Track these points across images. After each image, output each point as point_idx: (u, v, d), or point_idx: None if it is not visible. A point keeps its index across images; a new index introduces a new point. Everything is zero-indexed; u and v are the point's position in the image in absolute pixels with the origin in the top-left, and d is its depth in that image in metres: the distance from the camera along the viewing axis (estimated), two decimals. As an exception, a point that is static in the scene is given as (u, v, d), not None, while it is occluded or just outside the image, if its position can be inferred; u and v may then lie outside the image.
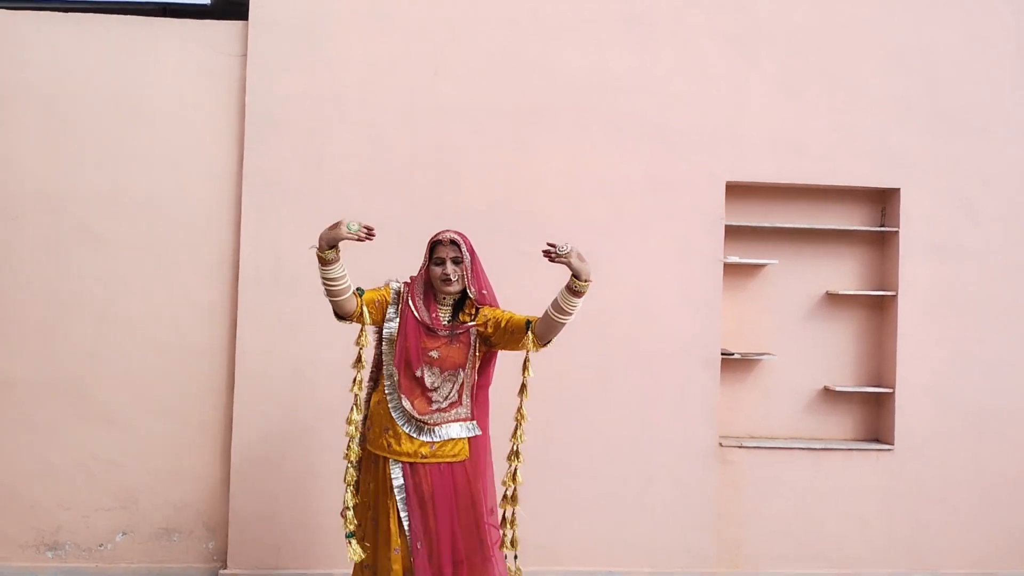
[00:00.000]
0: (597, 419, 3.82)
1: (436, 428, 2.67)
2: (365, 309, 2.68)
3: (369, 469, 2.75)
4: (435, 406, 2.67)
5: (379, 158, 3.79)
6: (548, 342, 2.70)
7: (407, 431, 2.66)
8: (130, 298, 3.72)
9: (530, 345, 2.66)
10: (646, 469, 3.86)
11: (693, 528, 3.86)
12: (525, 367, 2.79)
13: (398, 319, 2.69)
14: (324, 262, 2.58)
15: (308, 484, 3.71)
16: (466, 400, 2.73)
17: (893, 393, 3.96)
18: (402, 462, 2.66)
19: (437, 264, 2.68)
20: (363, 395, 2.77)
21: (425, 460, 2.66)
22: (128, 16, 3.80)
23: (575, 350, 3.79)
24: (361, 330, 2.73)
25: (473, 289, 2.70)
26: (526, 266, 3.76)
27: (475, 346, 2.73)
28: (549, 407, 3.80)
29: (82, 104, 3.74)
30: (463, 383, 2.72)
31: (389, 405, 2.68)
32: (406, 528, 2.64)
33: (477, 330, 2.71)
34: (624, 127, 3.88)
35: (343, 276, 2.61)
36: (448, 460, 2.68)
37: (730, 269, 4.00)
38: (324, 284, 2.61)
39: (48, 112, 3.72)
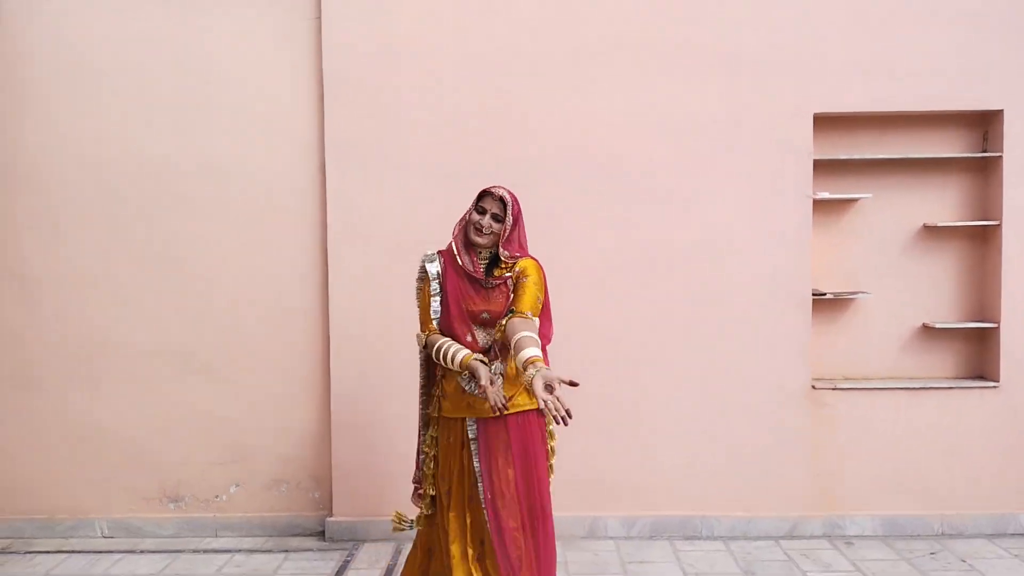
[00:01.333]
0: (685, 362, 3.80)
1: (501, 379, 2.60)
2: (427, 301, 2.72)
3: (444, 433, 2.74)
4: (494, 358, 2.63)
5: (446, 107, 3.79)
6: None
7: (476, 392, 2.58)
8: (229, 262, 3.88)
9: (501, 324, 2.58)
10: (737, 412, 3.83)
11: (787, 471, 3.82)
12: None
13: (440, 291, 2.68)
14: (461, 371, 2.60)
15: (403, 433, 3.74)
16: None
17: (998, 328, 3.79)
18: (477, 418, 2.64)
19: (479, 212, 2.66)
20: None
21: (503, 412, 2.58)
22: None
23: (661, 293, 3.79)
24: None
25: (505, 252, 2.66)
26: (606, 214, 3.78)
27: (511, 291, 2.67)
28: (637, 351, 3.81)
29: (171, 76, 3.87)
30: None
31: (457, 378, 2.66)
32: (479, 481, 2.63)
33: (509, 280, 2.66)
34: (699, 61, 3.76)
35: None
36: (524, 409, 2.64)
37: (820, 205, 3.87)
38: (442, 362, 2.63)
39: (140, 86, 3.87)
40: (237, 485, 3.94)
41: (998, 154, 3.77)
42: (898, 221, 3.92)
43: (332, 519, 3.86)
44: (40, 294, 3.91)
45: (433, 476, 2.76)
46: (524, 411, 2.65)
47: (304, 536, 3.91)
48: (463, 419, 2.68)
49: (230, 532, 3.92)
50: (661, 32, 3.76)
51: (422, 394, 2.86)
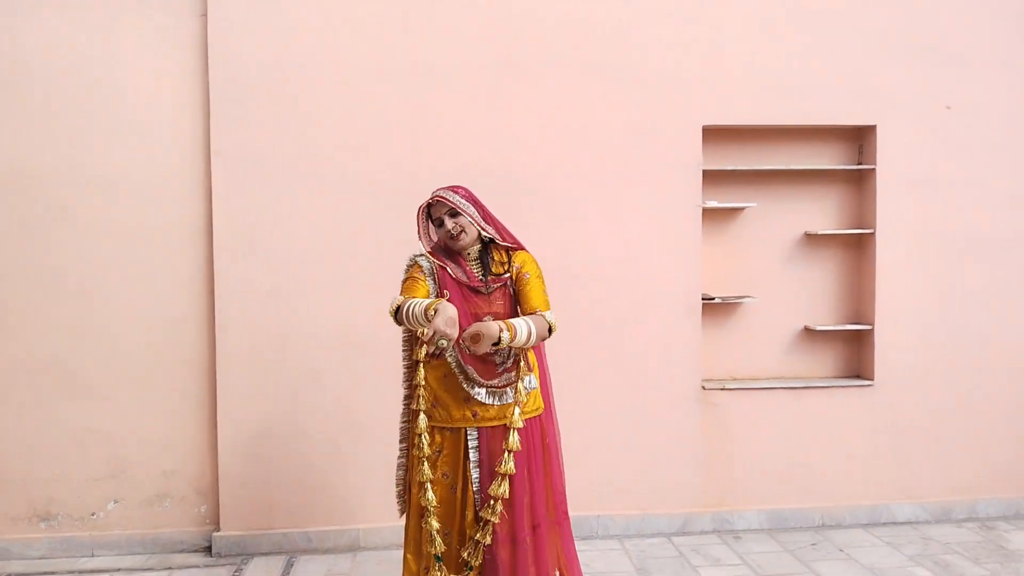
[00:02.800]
0: (580, 366, 3.84)
1: (507, 390, 2.55)
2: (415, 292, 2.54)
3: (437, 444, 2.58)
4: (501, 367, 2.55)
5: (352, 120, 3.71)
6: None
7: (483, 399, 2.52)
8: (108, 274, 3.69)
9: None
10: (633, 414, 3.90)
11: (681, 469, 3.92)
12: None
13: (435, 284, 2.55)
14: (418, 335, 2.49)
15: (295, 445, 3.74)
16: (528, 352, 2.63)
17: (872, 330, 4.01)
18: (479, 427, 2.55)
19: (439, 225, 2.58)
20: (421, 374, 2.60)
21: (506, 421, 2.54)
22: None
23: (562, 301, 3.72)
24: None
25: (490, 229, 2.59)
26: (508, 223, 3.74)
27: (514, 296, 2.61)
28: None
29: (45, 78, 3.64)
30: None
31: (459, 379, 2.53)
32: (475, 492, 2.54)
33: (509, 279, 2.60)
34: (601, 76, 3.82)
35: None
36: (532, 415, 2.60)
37: (709, 214, 4.00)
38: (409, 321, 2.42)
39: (11, 89, 3.63)
40: (115, 501, 3.74)
41: (872, 167, 3.99)
42: (781, 229, 4.09)
43: (219, 533, 3.72)
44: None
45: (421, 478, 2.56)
46: (528, 418, 2.59)
47: (189, 552, 3.75)
48: (463, 429, 2.55)
49: (108, 551, 3.71)
50: (570, 49, 3.80)
51: (405, 382, 2.68)
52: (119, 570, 3.57)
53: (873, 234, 4.00)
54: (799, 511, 3.99)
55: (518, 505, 2.54)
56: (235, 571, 3.55)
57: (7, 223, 3.65)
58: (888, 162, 3.98)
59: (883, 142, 3.97)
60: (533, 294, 2.57)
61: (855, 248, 4.14)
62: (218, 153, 3.66)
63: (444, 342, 2.23)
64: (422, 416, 2.56)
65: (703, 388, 3.93)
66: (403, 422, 2.72)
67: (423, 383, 2.57)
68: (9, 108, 3.63)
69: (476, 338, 2.33)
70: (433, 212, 2.60)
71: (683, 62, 3.86)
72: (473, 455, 2.54)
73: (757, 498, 3.98)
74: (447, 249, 2.61)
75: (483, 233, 2.58)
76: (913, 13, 3.95)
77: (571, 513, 3.79)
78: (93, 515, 3.73)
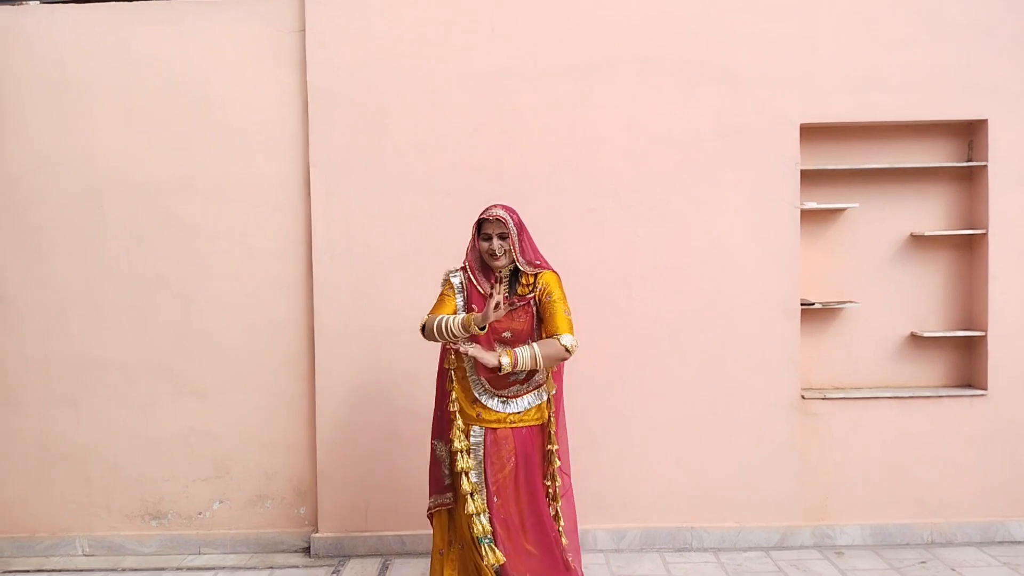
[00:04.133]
0: (676, 375, 3.79)
1: (516, 399, 2.78)
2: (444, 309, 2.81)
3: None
4: (513, 379, 2.76)
5: (440, 124, 3.77)
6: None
7: (490, 405, 2.78)
8: (213, 279, 3.84)
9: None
10: (727, 423, 3.81)
11: (777, 481, 3.81)
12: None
13: (464, 300, 2.80)
14: (468, 332, 2.66)
15: (391, 447, 3.80)
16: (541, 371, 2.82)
17: (985, 336, 3.79)
18: (485, 427, 2.79)
19: (484, 240, 2.76)
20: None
21: (512, 425, 2.79)
22: (188, 0, 3.84)
23: (651, 306, 3.78)
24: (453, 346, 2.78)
25: (522, 260, 2.77)
26: (592, 225, 3.77)
27: (536, 314, 2.81)
28: (627, 364, 3.79)
29: (154, 92, 3.83)
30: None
31: (470, 380, 2.80)
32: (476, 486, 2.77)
33: (535, 300, 2.78)
34: (689, 74, 3.76)
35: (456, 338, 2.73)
36: (529, 424, 2.81)
37: (808, 215, 3.87)
38: (444, 335, 2.69)
39: (123, 104, 3.83)
40: (220, 501, 3.88)
41: (983, 163, 3.78)
42: (885, 231, 3.92)
43: (317, 535, 3.81)
44: (21, 313, 3.86)
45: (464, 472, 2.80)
46: (529, 426, 2.80)
47: (289, 552, 3.86)
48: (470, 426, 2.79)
49: (213, 549, 3.86)
50: (656, 48, 3.76)
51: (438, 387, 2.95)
52: (224, 568, 3.71)
53: (985, 235, 3.79)
54: (905, 527, 3.81)
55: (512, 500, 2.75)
56: (332, 572, 3.64)
57: (120, 230, 3.85)
58: (1001, 158, 3.76)
59: (995, 137, 3.76)
60: (555, 318, 2.75)
61: (965, 250, 3.93)
62: (316, 162, 3.77)
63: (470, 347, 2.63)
64: (457, 415, 2.81)
65: (802, 397, 3.80)
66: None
67: (454, 387, 2.83)
68: (122, 121, 3.83)
69: (475, 361, 2.66)
70: (484, 227, 2.77)
71: (777, 57, 3.75)
72: (475, 450, 2.78)
73: (860, 512, 3.82)
74: (483, 263, 2.80)
75: (517, 260, 2.77)
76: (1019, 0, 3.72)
77: (664, 524, 3.82)
78: (200, 514, 3.89)
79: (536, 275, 2.80)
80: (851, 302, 3.85)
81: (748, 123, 3.76)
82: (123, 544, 3.86)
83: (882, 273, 3.93)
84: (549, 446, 2.85)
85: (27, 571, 3.72)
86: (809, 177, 3.85)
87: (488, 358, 2.63)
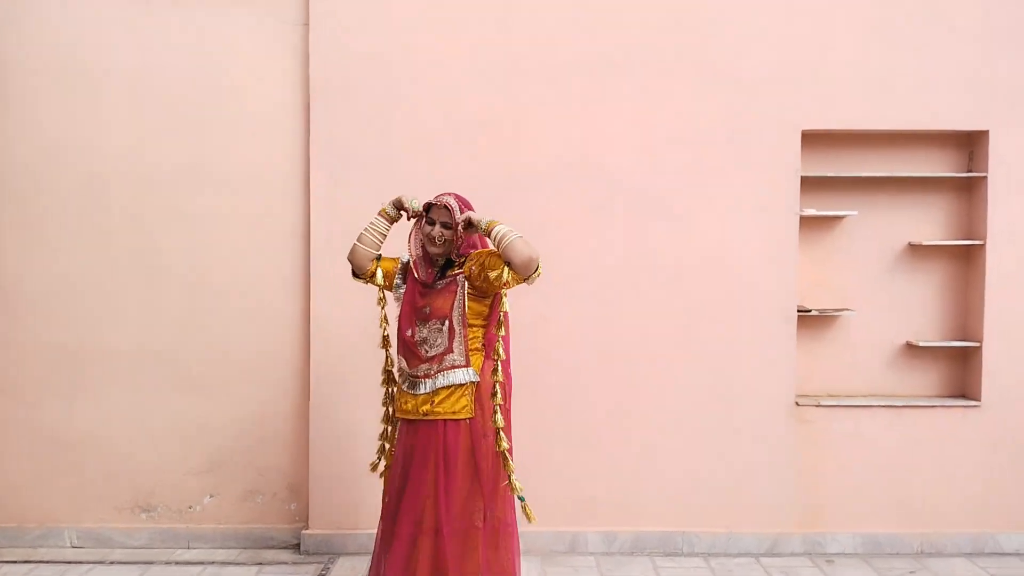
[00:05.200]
0: (669, 377, 3.78)
1: (426, 380, 2.76)
2: (379, 271, 2.91)
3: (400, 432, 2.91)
4: (425, 355, 2.76)
5: (447, 118, 3.75)
6: (529, 275, 2.65)
7: (406, 388, 2.82)
8: (214, 269, 3.82)
9: (506, 276, 2.63)
10: (721, 428, 3.80)
11: (771, 487, 3.80)
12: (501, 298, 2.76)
13: (404, 287, 2.89)
14: (388, 218, 2.87)
15: None
16: (458, 348, 2.75)
17: (980, 347, 3.80)
18: (407, 420, 2.82)
19: (430, 224, 2.79)
20: (393, 355, 2.95)
21: (425, 417, 2.74)
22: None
23: (648, 306, 3.77)
24: (380, 292, 2.95)
25: (458, 251, 2.82)
26: (600, 223, 3.76)
27: (463, 295, 2.76)
28: (621, 366, 3.78)
29: (162, 82, 3.80)
30: (455, 332, 2.75)
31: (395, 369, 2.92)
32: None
33: (463, 277, 2.76)
34: (699, 75, 3.75)
35: (384, 236, 2.88)
36: (447, 418, 2.73)
37: (806, 222, 3.87)
38: (367, 234, 2.86)
39: (130, 92, 3.80)
40: (211, 495, 3.86)
41: (983, 174, 3.78)
42: (883, 239, 3.92)
43: (308, 532, 3.79)
44: (21, 300, 3.83)
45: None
46: (447, 419, 2.73)
47: (279, 548, 3.84)
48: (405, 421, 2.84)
49: (203, 543, 3.84)
50: (664, 49, 3.75)
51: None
52: (212, 563, 3.68)
53: (983, 245, 3.79)
54: (896, 536, 3.81)
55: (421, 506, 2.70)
56: (322, 570, 3.62)
57: (123, 220, 3.82)
58: (1001, 169, 3.77)
59: (995, 148, 3.76)
60: (485, 253, 2.73)
61: (963, 260, 3.94)
62: (317, 154, 3.75)
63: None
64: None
65: (797, 404, 3.80)
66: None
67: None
68: (130, 108, 3.80)
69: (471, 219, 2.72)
70: (432, 212, 2.79)
71: (782, 62, 3.75)
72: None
73: (851, 521, 3.82)
74: (422, 244, 2.83)
75: (453, 254, 2.82)
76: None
77: (655, 528, 3.80)
78: (190, 508, 3.86)
79: (464, 258, 2.81)
80: (847, 310, 3.85)
81: (753, 127, 3.76)
82: (112, 536, 3.84)
83: (879, 281, 3.93)
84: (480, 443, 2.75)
85: (13, 562, 3.69)
86: (808, 183, 3.85)
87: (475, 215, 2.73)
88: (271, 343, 3.83)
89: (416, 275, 2.82)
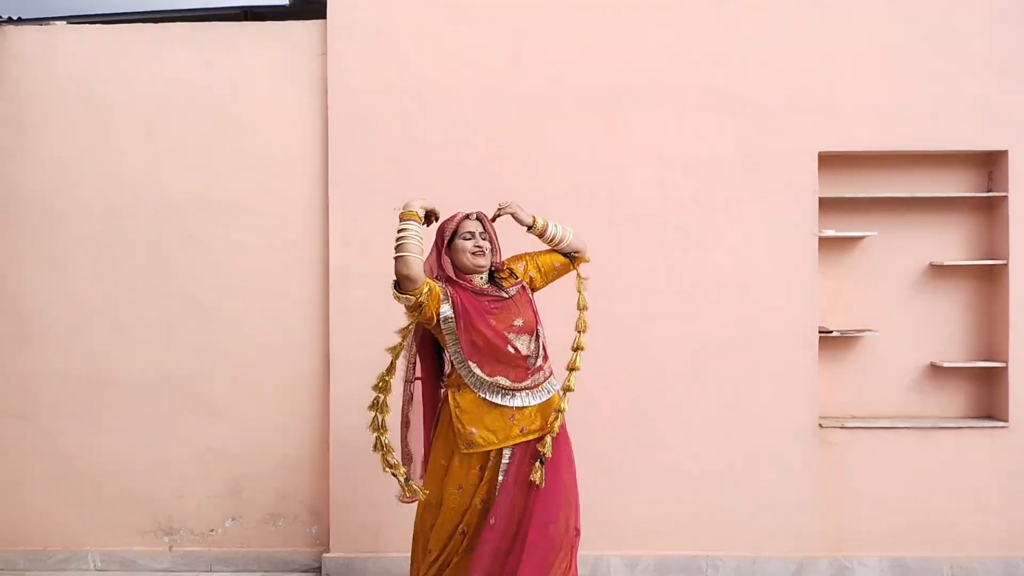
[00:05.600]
0: (692, 401, 3.76)
1: (535, 391, 2.68)
2: (429, 287, 2.58)
3: (469, 465, 2.68)
4: (530, 369, 2.67)
5: (460, 150, 3.78)
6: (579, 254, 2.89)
7: (504, 402, 2.62)
8: (232, 298, 3.86)
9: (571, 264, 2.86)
10: (744, 451, 3.77)
11: (794, 511, 3.75)
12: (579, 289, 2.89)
13: (454, 313, 2.62)
14: (420, 221, 2.61)
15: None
16: (544, 354, 2.75)
17: (1006, 367, 3.74)
18: (512, 446, 2.66)
19: (466, 239, 2.68)
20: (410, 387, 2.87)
21: (527, 437, 2.66)
22: (213, 23, 3.92)
23: (668, 331, 3.76)
24: (414, 319, 2.66)
25: (500, 262, 2.79)
26: (613, 250, 3.74)
27: (533, 300, 2.77)
28: (644, 390, 3.77)
29: (178, 112, 3.86)
30: (542, 340, 2.74)
31: (482, 397, 2.63)
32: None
33: (524, 284, 2.77)
34: (711, 103, 3.77)
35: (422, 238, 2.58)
36: (539, 435, 2.67)
37: (826, 243, 3.85)
38: (412, 240, 2.53)
39: (147, 124, 3.87)
40: (233, 519, 3.88)
41: (1003, 194, 3.76)
42: (904, 259, 3.89)
43: (329, 555, 3.78)
44: (41, 328, 3.89)
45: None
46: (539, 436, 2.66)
47: (300, 572, 3.84)
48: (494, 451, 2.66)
49: (224, 567, 3.84)
50: (679, 76, 3.77)
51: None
52: (235, 586, 3.70)
53: (1006, 265, 3.75)
54: (925, 560, 3.73)
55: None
56: (343, 593, 3.62)
57: (139, 248, 3.88)
58: (1021, 188, 3.73)
59: (1015, 167, 3.73)
60: (545, 254, 2.85)
61: (985, 279, 3.90)
62: (335, 183, 3.80)
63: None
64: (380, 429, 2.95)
65: (820, 426, 3.76)
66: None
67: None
68: (145, 140, 3.87)
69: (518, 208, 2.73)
70: (464, 226, 2.70)
71: (797, 86, 3.75)
72: (502, 474, 2.69)
73: (878, 545, 3.75)
74: (457, 265, 2.69)
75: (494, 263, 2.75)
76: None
77: (679, 552, 3.76)
78: (212, 531, 3.88)
79: (507, 268, 2.78)
80: (870, 331, 3.82)
81: (767, 151, 3.76)
82: (135, 560, 3.86)
83: (901, 302, 3.89)
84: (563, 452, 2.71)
85: (39, 585, 3.72)
86: (827, 205, 3.84)
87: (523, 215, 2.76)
88: (290, 369, 3.85)
89: (470, 290, 2.66)
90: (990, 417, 3.85)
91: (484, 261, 2.69)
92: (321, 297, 3.85)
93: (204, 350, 3.87)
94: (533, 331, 2.70)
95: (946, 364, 3.81)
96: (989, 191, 3.86)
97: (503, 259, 2.83)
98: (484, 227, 2.73)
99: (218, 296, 3.86)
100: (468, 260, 2.67)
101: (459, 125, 3.79)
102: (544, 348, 2.75)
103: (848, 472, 3.76)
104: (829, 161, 3.82)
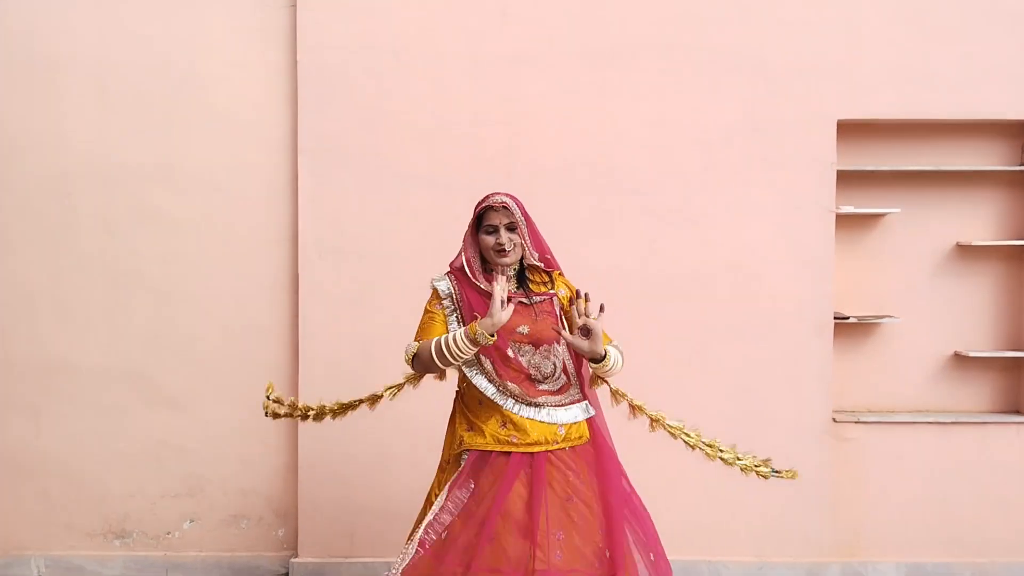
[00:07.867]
0: (697, 393, 3.51)
1: (555, 411, 2.39)
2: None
3: (479, 468, 2.40)
4: (543, 388, 2.39)
5: (444, 112, 3.52)
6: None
7: (528, 416, 2.36)
8: (190, 277, 3.61)
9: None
10: (750, 447, 3.45)
11: (803, 512, 3.54)
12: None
13: (456, 312, 2.41)
14: (477, 345, 2.27)
15: (380, 468, 3.53)
16: (574, 379, 2.46)
17: (1037, 358, 3.52)
18: (532, 452, 2.37)
19: (489, 233, 2.38)
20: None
21: (558, 446, 2.39)
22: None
23: (669, 317, 3.52)
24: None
25: (536, 254, 2.43)
26: (609, 227, 3.53)
27: (561, 317, 2.44)
28: (646, 380, 3.46)
29: (131, 73, 3.59)
30: (564, 360, 2.43)
31: (495, 400, 2.37)
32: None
33: (557, 297, 2.46)
34: (717, 65, 3.51)
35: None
36: (574, 443, 2.46)
37: (844, 221, 3.60)
38: (452, 358, 2.29)
39: (98, 84, 3.59)
40: (191, 521, 3.62)
41: (1038, 167, 3.51)
42: (928, 239, 3.66)
43: (297, 560, 3.54)
44: (-21, 309, 3.62)
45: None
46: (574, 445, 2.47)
47: (266, 578, 3.58)
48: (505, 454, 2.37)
49: (182, 572, 3.60)
50: (681, 34, 3.52)
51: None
52: (193, 594, 3.42)
53: (1039, 246, 3.52)
54: (945, 566, 3.54)
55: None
56: (312, 602, 3.34)
57: (91, 221, 3.61)
58: (1057, 162, 3.49)
59: (1051, 140, 3.49)
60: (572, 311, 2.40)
61: (1016, 262, 3.66)
62: (305, 150, 3.54)
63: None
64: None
65: (834, 420, 3.54)
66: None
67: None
68: (96, 102, 3.59)
69: (587, 332, 2.30)
70: (488, 216, 2.37)
71: (815, 47, 3.49)
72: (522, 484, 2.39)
73: (895, 549, 3.56)
74: (483, 261, 2.43)
75: (529, 255, 2.41)
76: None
77: (679, 557, 3.47)
78: (168, 534, 3.63)
79: (550, 274, 2.48)
80: (890, 317, 3.59)
81: (781, 118, 3.50)
82: (83, 565, 3.60)
83: (924, 286, 3.67)
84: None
85: (-24, 594, 3.43)
86: (846, 178, 3.59)
87: (581, 343, 2.32)
88: (255, 357, 3.59)
89: (484, 287, 2.38)
90: (1018, 412, 3.66)
91: (508, 259, 2.38)
92: (289, 276, 3.59)
93: (159, 335, 3.61)
94: (548, 346, 2.41)
95: (972, 354, 3.59)
96: (1022, 165, 3.61)
97: (549, 254, 2.48)
98: (512, 216, 2.36)
99: (175, 275, 3.60)
100: (493, 257, 2.40)
101: (441, 85, 3.53)
102: (571, 372, 2.47)
103: (863, 470, 3.56)
104: (848, 130, 3.56)
